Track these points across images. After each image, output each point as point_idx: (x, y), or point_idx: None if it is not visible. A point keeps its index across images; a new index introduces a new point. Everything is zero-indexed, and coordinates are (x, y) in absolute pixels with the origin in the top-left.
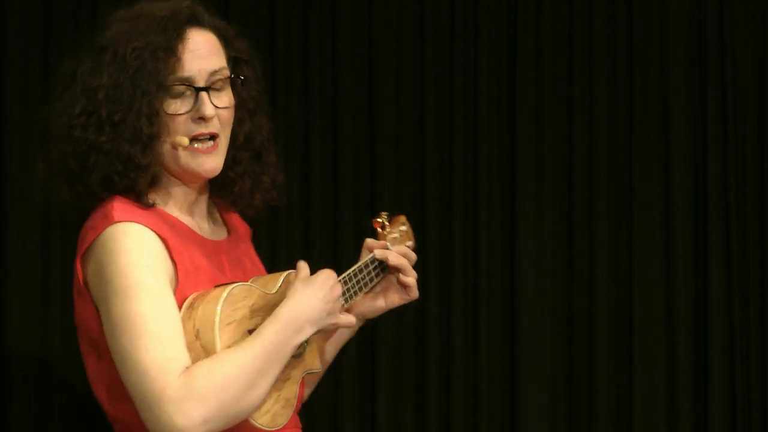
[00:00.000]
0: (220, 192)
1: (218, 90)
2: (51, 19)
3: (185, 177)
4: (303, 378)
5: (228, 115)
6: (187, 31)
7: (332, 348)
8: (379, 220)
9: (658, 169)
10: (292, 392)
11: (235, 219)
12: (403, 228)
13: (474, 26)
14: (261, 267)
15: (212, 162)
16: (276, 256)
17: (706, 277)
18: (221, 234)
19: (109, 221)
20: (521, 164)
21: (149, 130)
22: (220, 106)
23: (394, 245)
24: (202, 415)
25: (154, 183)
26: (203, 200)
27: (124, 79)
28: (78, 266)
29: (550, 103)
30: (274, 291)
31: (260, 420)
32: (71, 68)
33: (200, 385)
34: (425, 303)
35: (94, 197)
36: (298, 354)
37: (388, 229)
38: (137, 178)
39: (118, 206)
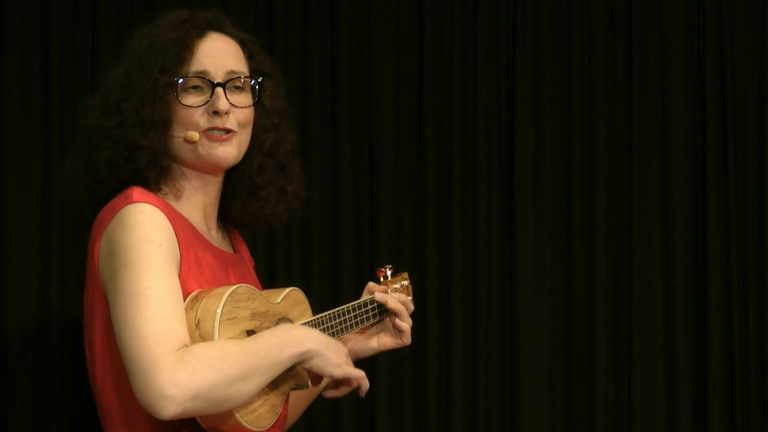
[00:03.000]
0: (247, 200)
1: (236, 91)
2: (50, 18)
3: (200, 167)
4: (290, 393)
5: (246, 116)
6: (207, 32)
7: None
8: (382, 269)
9: (657, 172)
10: (278, 401)
11: (242, 245)
12: (405, 283)
13: (473, 31)
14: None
15: (225, 150)
16: (271, 264)
17: (705, 278)
18: (228, 249)
19: (128, 201)
20: (520, 168)
21: (152, 114)
22: (236, 104)
23: (394, 294)
24: (191, 389)
25: (165, 175)
26: (215, 209)
27: (135, 69)
28: (96, 246)
29: (549, 104)
30: (276, 301)
31: (246, 417)
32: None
33: (195, 361)
34: (425, 304)
35: (105, 188)
36: (290, 368)
37: (390, 280)
38: (142, 164)
39: (138, 190)
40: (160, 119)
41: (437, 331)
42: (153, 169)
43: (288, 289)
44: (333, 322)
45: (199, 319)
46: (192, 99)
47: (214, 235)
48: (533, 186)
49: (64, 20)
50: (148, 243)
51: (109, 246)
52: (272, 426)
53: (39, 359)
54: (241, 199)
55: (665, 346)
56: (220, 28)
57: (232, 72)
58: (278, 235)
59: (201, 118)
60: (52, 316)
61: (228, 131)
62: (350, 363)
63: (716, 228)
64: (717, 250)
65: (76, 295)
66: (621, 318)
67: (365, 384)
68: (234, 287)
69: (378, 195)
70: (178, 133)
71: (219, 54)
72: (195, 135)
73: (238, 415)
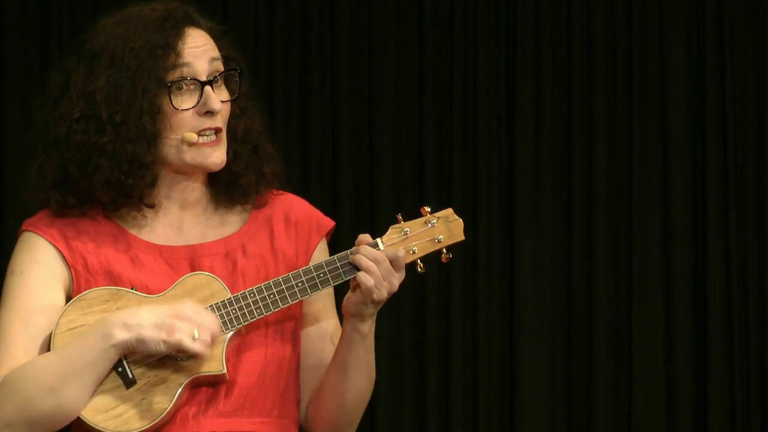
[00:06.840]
0: (227, 189)
1: (218, 85)
2: (50, 20)
3: (190, 172)
4: (203, 377)
5: (227, 110)
6: (185, 29)
7: (344, 348)
8: (399, 216)
9: (657, 172)
10: (166, 398)
11: (264, 217)
12: (434, 222)
13: (473, 31)
14: (282, 269)
15: (218, 155)
16: None
17: (705, 279)
18: (221, 233)
19: (21, 228)
20: (520, 168)
21: (152, 127)
22: (222, 100)
23: (400, 241)
24: (2, 418)
25: (153, 183)
26: (201, 201)
27: (124, 79)
28: None
29: (549, 104)
30: (158, 296)
31: (103, 424)
32: (62, 78)
33: (1, 390)
34: (425, 303)
35: (89, 203)
36: (180, 359)
37: (407, 222)
38: (143, 177)
39: (37, 215)
40: (159, 131)
41: (437, 331)
42: (151, 182)
43: (183, 276)
44: (261, 296)
45: (53, 333)
46: (184, 101)
47: (192, 230)
48: (533, 185)
49: (64, 20)
50: (11, 273)
51: None
52: (207, 416)
53: None
54: (222, 187)
55: (665, 346)
56: (193, 23)
57: (215, 69)
58: None
59: (192, 120)
60: None
61: (216, 132)
62: (203, 334)
63: (716, 228)
64: (717, 249)
65: None
66: (621, 318)
67: (203, 354)
68: (85, 293)
69: (378, 194)
70: (172, 138)
71: (199, 51)
72: (194, 136)
73: (93, 425)
